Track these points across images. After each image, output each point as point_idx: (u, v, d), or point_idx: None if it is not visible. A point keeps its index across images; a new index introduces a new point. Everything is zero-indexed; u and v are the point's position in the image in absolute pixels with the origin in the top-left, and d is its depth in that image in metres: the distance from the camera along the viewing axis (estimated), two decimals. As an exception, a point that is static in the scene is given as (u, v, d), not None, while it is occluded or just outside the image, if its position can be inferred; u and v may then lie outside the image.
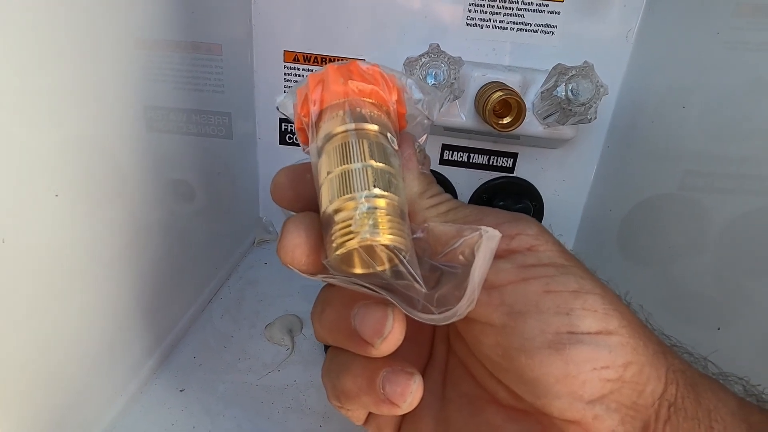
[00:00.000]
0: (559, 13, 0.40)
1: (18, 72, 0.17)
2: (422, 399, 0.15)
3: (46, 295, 0.20)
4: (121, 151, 0.25)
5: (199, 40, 0.35)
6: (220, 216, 0.41)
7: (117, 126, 0.24)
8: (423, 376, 0.16)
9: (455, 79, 0.35)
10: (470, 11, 0.40)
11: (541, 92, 0.36)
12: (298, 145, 0.46)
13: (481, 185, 0.46)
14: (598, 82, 0.34)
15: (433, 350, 0.18)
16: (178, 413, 0.27)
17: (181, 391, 0.29)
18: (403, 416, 0.17)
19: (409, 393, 0.14)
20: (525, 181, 0.46)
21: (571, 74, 0.34)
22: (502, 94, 0.34)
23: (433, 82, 0.35)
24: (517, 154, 0.45)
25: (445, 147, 0.45)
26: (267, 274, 0.42)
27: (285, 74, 0.43)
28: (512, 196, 0.45)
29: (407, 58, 0.36)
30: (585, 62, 0.35)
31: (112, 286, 0.25)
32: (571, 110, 0.34)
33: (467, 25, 0.41)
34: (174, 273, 0.32)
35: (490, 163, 0.46)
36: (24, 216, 0.18)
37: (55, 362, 0.21)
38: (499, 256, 0.15)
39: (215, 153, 0.40)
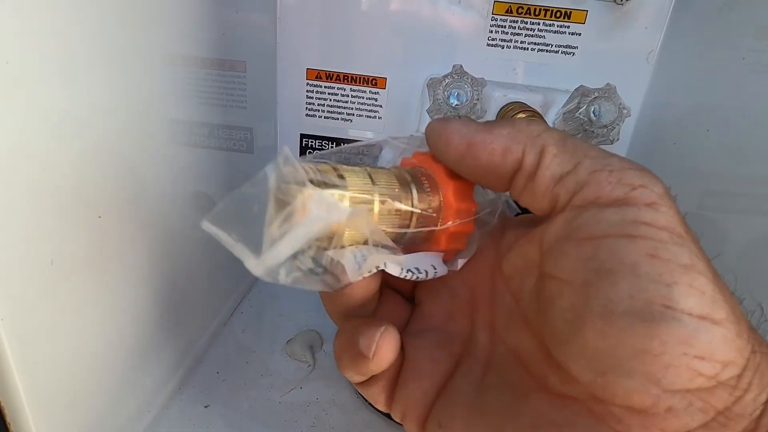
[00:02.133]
0: (580, 34, 0.40)
1: (50, 84, 0.17)
2: (456, 386, 0.15)
3: (78, 311, 0.20)
4: (144, 163, 0.25)
5: (225, 57, 0.36)
6: (241, 230, 0.42)
7: (141, 138, 0.24)
8: (460, 365, 0.15)
9: (478, 99, 0.36)
10: (491, 32, 0.41)
11: (563, 113, 0.37)
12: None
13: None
14: (620, 104, 0.35)
15: (473, 340, 0.16)
16: (203, 429, 0.27)
17: (206, 407, 0.29)
18: (434, 403, 0.15)
19: (374, 342, 0.14)
20: (543, 198, 0.46)
21: (593, 96, 0.34)
22: (525, 116, 0.34)
23: (456, 103, 0.36)
24: (535, 172, 0.45)
25: (463, 164, 0.46)
26: (286, 289, 0.42)
27: (307, 91, 0.44)
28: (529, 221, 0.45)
29: (431, 79, 0.37)
30: (607, 84, 0.35)
31: (137, 300, 0.25)
32: (593, 132, 0.35)
33: (488, 45, 0.41)
34: (196, 286, 0.32)
35: (509, 180, 0.46)
36: (66, 234, 0.19)
37: (86, 380, 0.21)
38: (608, 204, 0.13)
39: (236, 167, 0.40)
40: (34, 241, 0.17)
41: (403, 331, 0.17)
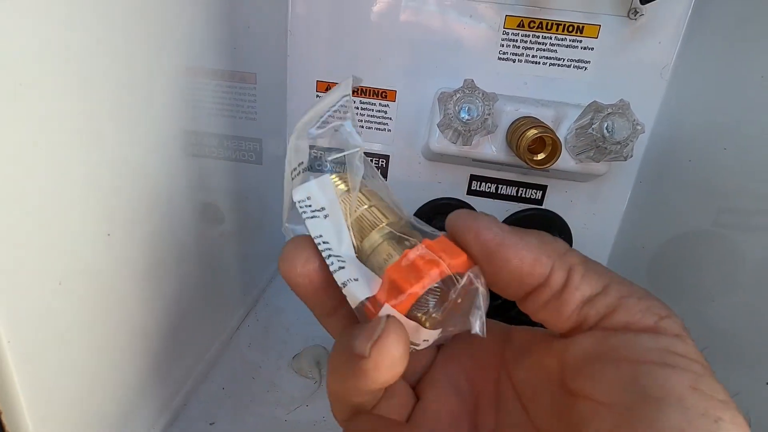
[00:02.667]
0: (592, 48, 0.40)
1: (64, 96, 0.17)
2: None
3: (85, 330, 0.20)
4: (155, 174, 0.25)
5: (236, 69, 0.36)
6: (248, 241, 0.41)
7: (152, 149, 0.24)
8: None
9: (489, 114, 0.35)
10: (503, 45, 0.41)
11: (576, 129, 0.36)
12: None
13: (508, 216, 0.46)
14: (634, 120, 0.34)
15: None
16: (208, 448, 0.27)
17: (211, 424, 0.29)
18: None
19: (373, 336, 0.13)
20: (554, 213, 0.45)
21: (607, 112, 0.34)
22: (537, 132, 0.34)
23: (467, 118, 0.35)
24: (546, 186, 0.45)
25: (473, 177, 0.45)
26: (293, 301, 0.42)
27: (317, 103, 0.44)
28: (541, 229, 0.44)
29: (441, 93, 0.36)
30: (621, 100, 0.34)
31: (144, 316, 0.25)
32: (606, 148, 0.34)
33: (499, 59, 0.41)
34: (204, 298, 0.32)
35: (519, 194, 0.45)
36: (75, 253, 0.19)
37: (92, 397, 0.21)
38: (641, 330, 0.13)
39: (245, 178, 0.40)
40: (42, 260, 0.17)
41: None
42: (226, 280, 0.36)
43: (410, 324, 0.14)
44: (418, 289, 0.13)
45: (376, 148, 0.45)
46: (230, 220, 0.37)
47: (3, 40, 0.14)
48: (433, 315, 0.14)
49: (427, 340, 0.15)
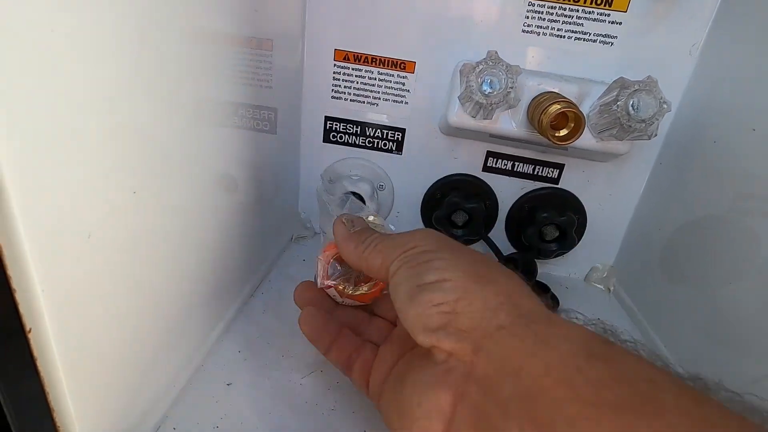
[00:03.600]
0: (620, 23, 0.39)
1: (81, 60, 0.17)
2: (396, 370, 0.22)
3: (113, 284, 0.20)
4: (169, 141, 0.24)
5: (253, 35, 0.35)
6: (261, 210, 0.41)
7: (167, 115, 0.24)
8: (399, 359, 0.23)
9: (512, 87, 0.34)
10: (528, 17, 0.39)
11: (600, 105, 0.35)
12: (340, 143, 0.46)
13: (523, 195, 0.46)
14: (661, 98, 0.33)
15: (396, 328, 0.26)
16: (227, 407, 0.27)
17: (228, 384, 0.29)
18: (372, 364, 0.25)
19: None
20: (569, 192, 0.45)
21: (633, 89, 0.33)
22: (560, 106, 0.33)
23: (489, 90, 0.35)
24: (563, 165, 0.44)
25: (489, 154, 0.45)
26: (305, 270, 0.42)
27: (334, 72, 0.43)
28: (555, 208, 0.44)
29: (464, 64, 0.36)
30: (648, 77, 0.34)
31: (165, 278, 0.25)
32: (630, 126, 0.34)
33: (523, 32, 0.40)
34: (220, 265, 0.32)
35: (535, 172, 0.45)
36: (105, 209, 0.19)
37: (118, 354, 0.22)
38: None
39: (259, 147, 0.40)
40: (70, 215, 0.17)
41: (386, 340, 0.26)
42: (241, 248, 0.37)
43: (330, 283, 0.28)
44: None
45: (393, 121, 0.44)
46: (244, 189, 0.37)
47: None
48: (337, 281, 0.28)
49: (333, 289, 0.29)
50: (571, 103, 0.34)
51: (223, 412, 0.27)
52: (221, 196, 0.32)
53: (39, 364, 0.16)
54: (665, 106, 0.33)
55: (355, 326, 0.28)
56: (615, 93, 0.34)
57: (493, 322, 0.17)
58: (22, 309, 0.15)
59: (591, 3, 0.38)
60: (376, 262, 0.22)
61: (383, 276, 0.22)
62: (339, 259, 0.27)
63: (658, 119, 0.33)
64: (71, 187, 0.16)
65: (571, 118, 0.34)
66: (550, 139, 0.34)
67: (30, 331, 0.15)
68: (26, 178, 0.14)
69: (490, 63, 0.34)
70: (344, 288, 0.28)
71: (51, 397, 0.17)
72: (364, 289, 0.28)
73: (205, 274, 0.30)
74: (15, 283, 0.14)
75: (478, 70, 0.34)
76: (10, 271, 0.14)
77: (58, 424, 0.17)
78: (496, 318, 0.17)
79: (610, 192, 0.44)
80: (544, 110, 0.34)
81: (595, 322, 0.18)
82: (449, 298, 0.18)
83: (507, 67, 0.34)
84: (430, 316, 0.18)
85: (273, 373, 0.31)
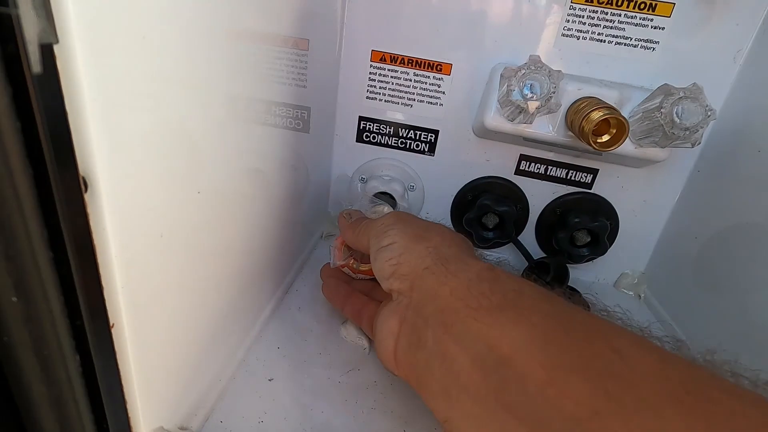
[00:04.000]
0: (663, 28, 0.38)
1: (127, 56, 0.16)
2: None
3: (179, 279, 0.21)
4: (217, 140, 0.24)
5: (290, 35, 0.35)
6: (295, 207, 0.42)
7: (209, 113, 0.24)
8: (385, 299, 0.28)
9: (554, 92, 0.34)
10: (568, 21, 0.39)
11: (642, 112, 0.35)
12: (374, 143, 0.46)
13: (555, 199, 0.46)
14: (707, 105, 0.33)
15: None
16: (269, 402, 0.28)
17: (269, 380, 0.30)
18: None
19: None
20: (602, 198, 0.45)
21: (678, 96, 0.33)
22: (603, 113, 0.33)
23: (530, 95, 0.34)
24: (597, 170, 0.44)
25: (522, 157, 0.45)
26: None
27: (370, 73, 0.44)
28: (588, 213, 0.44)
29: (505, 68, 0.36)
30: (694, 84, 0.33)
31: (214, 274, 0.25)
32: (674, 134, 0.33)
33: (563, 35, 0.40)
34: (259, 261, 0.33)
35: (568, 177, 0.45)
36: (175, 210, 0.19)
37: (178, 351, 0.22)
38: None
39: (292, 145, 0.40)
40: (147, 217, 0.17)
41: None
42: (275, 245, 0.37)
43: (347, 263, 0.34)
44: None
45: (427, 122, 0.45)
46: (276, 186, 0.37)
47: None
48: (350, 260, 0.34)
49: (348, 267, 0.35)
50: (614, 109, 0.34)
51: (267, 407, 0.28)
52: (259, 193, 0.33)
53: (118, 358, 0.16)
54: (710, 114, 0.33)
55: (367, 292, 0.34)
56: (659, 100, 0.34)
57: (421, 265, 0.23)
58: (108, 305, 0.15)
59: (634, 7, 0.38)
60: (364, 240, 0.29)
61: (369, 250, 0.28)
62: (347, 245, 0.35)
63: (703, 127, 0.33)
64: (148, 189, 0.17)
65: (614, 125, 0.34)
66: (591, 145, 0.34)
67: (113, 326, 0.16)
68: (114, 182, 0.15)
69: (533, 67, 0.34)
70: (354, 264, 0.34)
71: (126, 390, 0.17)
72: (368, 266, 0.34)
73: (248, 271, 0.31)
74: (104, 281, 0.15)
75: (520, 74, 0.34)
76: (102, 270, 0.14)
77: (129, 414, 0.18)
78: (424, 263, 0.23)
79: (644, 198, 0.44)
80: (585, 116, 0.34)
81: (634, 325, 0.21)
82: (395, 254, 0.25)
83: (549, 71, 0.34)
84: (384, 269, 0.25)
85: (312, 369, 0.31)
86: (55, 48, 0.11)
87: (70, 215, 0.12)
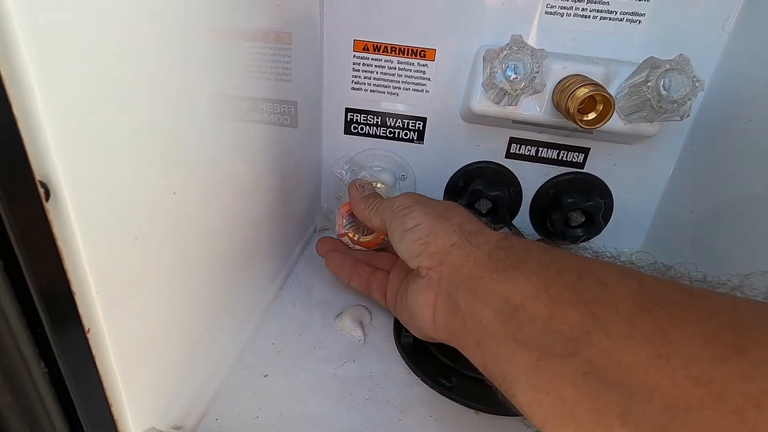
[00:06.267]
0: (648, 0, 0.37)
1: (107, 59, 0.16)
2: (395, 277, 0.33)
3: (160, 284, 0.21)
4: (196, 139, 0.24)
5: (270, 29, 0.35)
6: (286, 202, 0.42)
7: (187, 113, 0.23)
8: (393, 270, 0.34)
9: (537, 72, 0.34)
10: (551, -2, 0.38)
11: (628, 87, 0.35)
12: (362, 134, 0.46)
13: (548, 180, 0.45)
14: (694, 77, 0.32)
15: (398, 259, 0.32)
16: (264, 398, 0.28)
17: (264, 376, 0.30)
18: (387, 285, 0.34)
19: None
20: (595, 177, 0.44)
21: (665, 68, 0.32)
22: (588, 90, 0.32)
23: (513, 76, 0.34)
24: (589, 149, 0.43)
25: (512, 140, 0.44)
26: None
27: (354, 63, 0.43)
28: (581, 193, 0.44)
29: (487, 50, 0.35)
30: (680, 55, 0.32)
31: (200, 274, 0.25)
32: (661, 107, 0.33)
33: (546, 13, 0.39)
34: (251, 258, 0.33)
35: (560, 158, 0.44)
36: (149, 212, 0.19)
37: (165, 350, 0.22)
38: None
39: (280, 141, 0.40)
40: (119, 220, 0.17)
41: (393, 268, 0.34)
42: (268, 242, 0.37)
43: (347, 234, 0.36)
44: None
45: (414, 110, 0.44)
46: (267, 183, 0.37)
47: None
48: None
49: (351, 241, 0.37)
50: (599, 85, 0.33)
51: (262, 403, 0.28)
52: (247, 191, 0.33)
53: (97, 362, 0.16)
54: (698, 84, 0.32)
55: (367, 261, 0.37)
56: (645, 73, 0.33)
57: (448, 242, 0.26)
58: (81, 310, 0.15)
59: (617, -20, 0.37)
60: (377, 220, 0.31)
61: (383, 229, 0.31)
62: (351, 214, 0.36)
63: (690, 99, 0.32)
64: (118, 193, 0.17)
65: (600, 101, 0.33)
66: (577, 124, 0.33)
67: (89, 331, 0.16)
68: (79, 187, 0.15)
69: (515, 48, 0.34)
70: (354, 236, 0.36)
71: (108, 393, 0.17)
72: (369, 237, 0.36)
73: (239, 269, 0.31)
74: (75, 286, 0.15)
75: (502, 55, 0.34)
76: (71, 276, 0.14)
77: (115, 417, 0.18)
78: (451, 239, 0.26)
79: (637, 175, 0.44)
80: (571, 94, 0.33)
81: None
82: (423, 235, 0.27)
83: (532, 51, 0.34)
84: (412, 248, 0.27)
85: (307, 364, 0.31)
86: (-4, 55, 0.11)
87: (27, 225, 0.12)
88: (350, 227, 0.36)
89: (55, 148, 0.14)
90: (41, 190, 0.13)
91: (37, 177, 0.13)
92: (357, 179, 0.36)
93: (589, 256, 0.25)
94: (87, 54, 0.15)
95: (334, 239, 0.38)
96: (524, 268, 0.22)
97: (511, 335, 0.21)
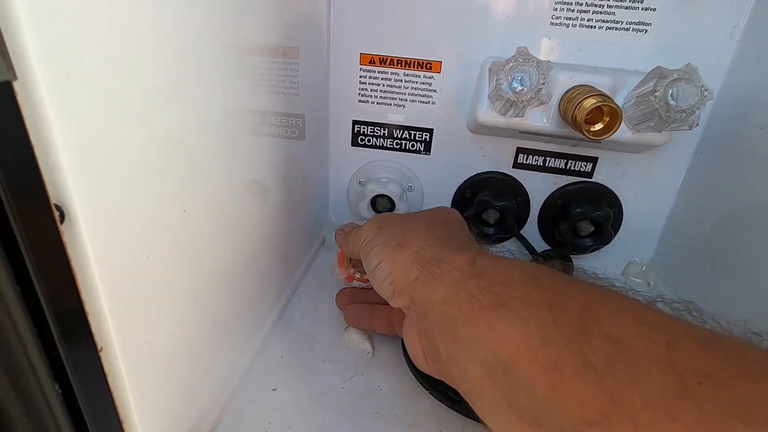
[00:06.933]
0: (654, 9, 0.37)
1: (119, 72, 0.16)
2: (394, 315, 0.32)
3: (170, 300, 0.21)
4: (207, 153, 0.25)
5: (279, 44, 0.35)
6: (294, 215, 0.42)
7: (198, 126, 0.24)
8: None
9: (543, 83, 0.34)
10: (556, 9, 0.38)
11: (636, 97, 0.34)
12: (369, 146, 0.46)
13: (556, 190, 0.45)
14: (702, 86, 0.32)
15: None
16: (273, 412, 0.28)
17: (273, 390, 0.30)
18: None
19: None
20: (604, 186, 0.44)
21: (672, 78, 0.32)
22: (595, 101, 0.32)
23: (519, 88, 0.34)
24: (597, 158, 0.43)
25: (519, 150, 0.44)
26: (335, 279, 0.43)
27: (360, 77, 0.44)
28: (590, 202, 0.43)
29: (493, 62, 0.35)
30: (688, 65, 0.32)
31: (210, 288, 0.26)
32: (669, 117, 0.32)
33: (552, 24, 0.39)
34: (259, 271, 0.33)
35: (568, 167, 0.44)
36: (160, 231, 0.19)
37: (175, 365, 0.23)
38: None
39: (288, 153, 0.40)
40: (132, 239, 0.18)
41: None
42: (275, 254, 0.37)
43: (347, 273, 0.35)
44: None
45: (420, 122, 0.44)
46: (275, 194, 0.37)
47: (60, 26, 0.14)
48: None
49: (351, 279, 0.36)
50: (606, 96, 0.33)
51: (271, 417, 0.28)
52: (256, 204, 0.33)
53: (110, 380, 0.17)
54: (706, 94, 0.32)
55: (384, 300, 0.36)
56: (652, 83, 0.33)
57: (410, 277, 0.23)
58: (94, 330, 0.15)
59: (623, -10, 0.37)
60: (355, 249, 0.30)
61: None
62: (347, 259, 0.35)
63: (699, 108, 0.32)
64: (130, 213, 0.17)
65: (607, 112, 0.33)
66: (584, 135, 0.33)
67: (101, 350, 0.16)
68: (92, 209, 0.15)
69: (521, 59, 0.34)
70: (358, 274, 0.35)
71: (120, 411, 0.17)
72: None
73: (247, 282, 0.31)
74: (88, 306, 0.15)
75: (507, 67, 0.34)
76: (84, 296, 0.15)
77: (126, 434, 0.18)
78: (412, 273, 0.23)
79: (647, 184, 0.43)
80: (578, 105, 0.33)
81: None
82: (386, 274, 0.24)
83: (537, 63, 0.34)
84: (383, 291, 0.25)
85: (315, 377, 0.31)
86: (15, 85, 0.12)
87: (42, 248, 0.12)
88: (352, 268, 0.35)
89: (69, 173, 0.14)
90: (56, 213, 0.14)
91: (53, 200, 0.14)
92: (339, 227, 0.35)
93: (585, 278, 0.21)
94: (101, 78, 0.15)
95: (348, 289, 0.36)
96: (507, 311, 0.18)
97: (505, 400, 0.17)
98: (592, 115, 0.34)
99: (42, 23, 0.12)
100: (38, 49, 0.12)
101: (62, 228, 0.14)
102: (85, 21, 0.14)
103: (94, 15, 0.14)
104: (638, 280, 0.46)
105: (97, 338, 0.16)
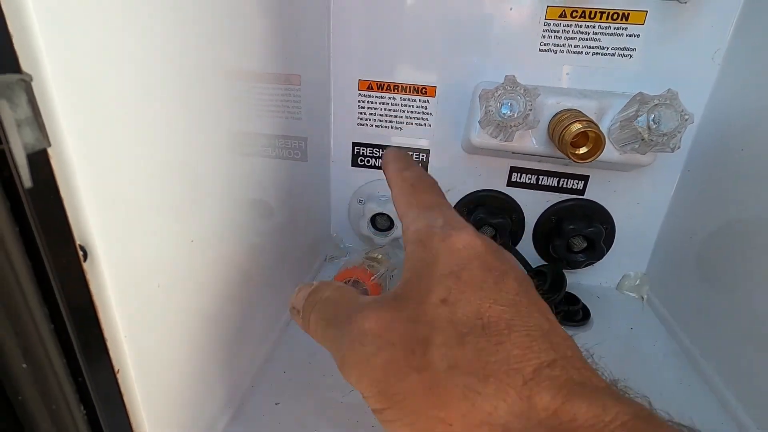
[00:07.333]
0: (638, 36, 0.39)
1: (132, 100, 0.18)
2: None
3: (179, 323, 0.23)
4: (214, 179, 0.26)
5: (282, 71, 0.38)
6: (297, 233, 0.44)
7: (203, 150, 0.25)
8: None
9: (530, 109, 0.36)
10: (544, 37, 0.40)
11: (620, 121, 0.36)
12: (368, 167, 0.48)
13: (549, 207, 0.46)
14: (682, 111, 0.34)
15: None
16: (275, 426, 0.30)
17: (276, 404, 0.32)
18: None
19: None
20: (596, 203, 0.45)
21: (653, 104, 0.34)
22: (580, 126, 0.34)
23: (508, 114, 0.36)
24: (588, 176, 0.45)
25: (513, 169, 0.46)
26: (341, 291, 0.45)
27: (359, 101, 0.46)
28: (582, 219, 0.45)
29: (483, 90, 0.37)
30: (669, 90, 0.34)
31: (218, 306, 0.28)
32: (652, 140, 0.34)
33: (540, 50, 0.41)
34: (263, 289, 0.35)
35: (560, 185, 0.45)
36: (169, 261, 0.21)
37: (185, 383, 0.24)
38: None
39: (291, 174, 0.42)
40: (146, 271, 0.20)
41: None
42: (279, 271, 0.39)
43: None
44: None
45: (417, 143, 0.46)
46: (279, 214, 0.39)
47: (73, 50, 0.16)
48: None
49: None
50: (591, 122, 0.35)
51: (272, 430, 0.30)
52: (259, 225, 0.35)
53: (125, 400, 0.18)
54: (687, 118, 0.34)
55: None
56: (634, 109, 0.34)
57: None
58: (112, 353, 0.17)
59: (607, 18, 0.39)
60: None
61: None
62: (346, 281, 0.36)
63: (679, 132, 0.34)
64: (143, 247, 0.19)
65: (591, 139, 0.35)
66: (570, 157, 0.35)
67: (118, 372, 0.18)
68: (111, 248, 0.17)
69: (508, 87, 0.35)
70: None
71: (135, 427, 0.19)
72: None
73: (252, 300, 0.33)
74: (107, 333, 0.17)
75: (497, 95, 0.36)
76: (104, 324, 0.17)
77: (140, 449, 0.20)
78: None
79: (637, 201, 0.44)
80: (564, 129, 0.35)
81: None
82: None
83: (525, 90, 0.35)
84: None
85: (316, 392, 0.33)
86: (49, 150, 0.14)
87: (70, 285, 0.14)
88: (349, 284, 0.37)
89: (92, 217, 0.16)
90: (80, 253, 0.16)
91: (77, 242, 0.16)
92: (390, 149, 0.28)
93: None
94: (120, 138, 0.17)
95: None
96: None
97: None
98: (578, 138, 0.35)
99: (73, 101, 0.14)
100: (69, 120, 0.14)
101: (85, 265, 0.16)
102: (112, 93, 0.16)
103: (119, 86, 0.17)
104: (632, 294, 0.47)
105: (114, 361, 0.18)
